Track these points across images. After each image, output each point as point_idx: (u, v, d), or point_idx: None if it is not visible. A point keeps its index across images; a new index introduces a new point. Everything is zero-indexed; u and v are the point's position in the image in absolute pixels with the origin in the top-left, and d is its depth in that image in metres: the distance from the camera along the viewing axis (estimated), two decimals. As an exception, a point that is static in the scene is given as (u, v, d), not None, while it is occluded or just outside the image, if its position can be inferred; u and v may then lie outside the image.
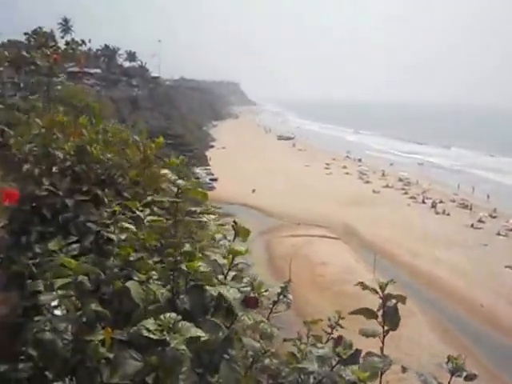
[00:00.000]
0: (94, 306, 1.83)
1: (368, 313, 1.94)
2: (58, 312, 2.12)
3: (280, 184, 51.64)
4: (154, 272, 2.06)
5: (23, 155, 4.24)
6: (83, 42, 21.97)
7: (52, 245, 2.33)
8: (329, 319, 2.34)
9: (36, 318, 1.85)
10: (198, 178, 45.49)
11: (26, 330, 2.08)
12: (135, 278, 1.99)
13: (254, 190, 49.18)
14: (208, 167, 60.75)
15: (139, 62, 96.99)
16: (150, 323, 1.55)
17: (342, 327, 2.30)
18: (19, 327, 3.01)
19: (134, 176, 3.87)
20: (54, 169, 3.94)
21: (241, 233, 2.18)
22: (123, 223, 2.34)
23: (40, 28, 21.48)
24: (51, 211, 3.48)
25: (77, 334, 1.75)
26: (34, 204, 3.58)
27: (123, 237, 2.25)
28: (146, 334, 1.51)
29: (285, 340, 2.22)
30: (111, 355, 1.65)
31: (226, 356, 1.66)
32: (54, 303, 2.21)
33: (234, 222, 2.22)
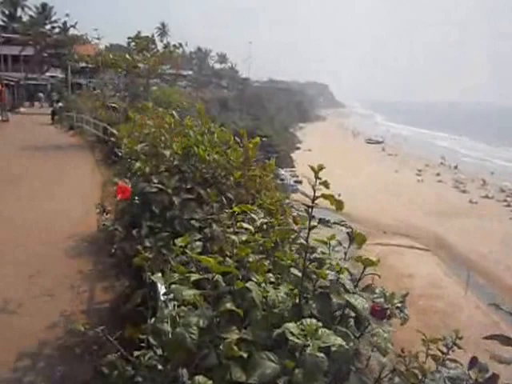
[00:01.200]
0: (229, 306, 1.84)
1: (504, 339, 1.75)
2: (170, 306, 2.17)
3: (366, 189, 50.13)
4: (270, 274, 2.05)
5: (134, 153, 4.48)
6: (180, 45, 22.95)
7: (179, 241, 2.40)
8: (444, 338, 2.18)
9: (166, 311, 1.89)
10: (282, 180, 45.76)
11: (147, 320, 2.17)
12: (253, 279, 1.98)
13: (339, 195, 48.21)
14: (293, 169, 60.71)
15: (230, 64, 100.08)
16: (293, 327, 1.53)
17: (459, 348, 2.12)
18: (133, 315, 3.18)
19: (238, 177, 3.90)
20: (163, 167, 4.13)
21: (357, 239, 2.10)
22: (243, 224, 2.33)
23: (139, 32, 22.96)
24: (159, 207, 3.65)
25: (209, 329, 1.78)
26: (144, 200, 3.77)
27: (244, 238, 2.23)
28: (290, 337, 1.49)
29: (399, 356, 2.10)
30: (245, 354, 1.65)
31: (353, 368, 1.60)
32: (170, 296, 2.27)
33: (350, 228, 2.14)
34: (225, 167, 4.01)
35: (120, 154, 12.66)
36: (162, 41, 60.60)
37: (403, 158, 76.68)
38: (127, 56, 17.88)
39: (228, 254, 2.80)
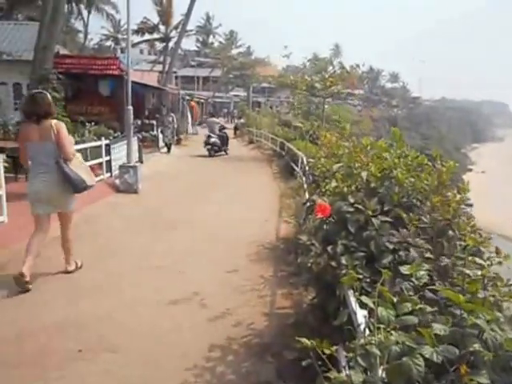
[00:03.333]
0: (477, 346, 1.77)
1: None
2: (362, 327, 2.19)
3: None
4: (499, 314, 1.94)
5: (328, 173, 4.71)
6: (358, 65, 23.27)
7: (406, 269, 2.40)
8: None
9: (368, 334, 1.90)
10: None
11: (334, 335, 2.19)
12: (482, 317, 1.86)
13: (515, 222, 42.44)
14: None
15: (401, 83, 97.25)
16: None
17: None
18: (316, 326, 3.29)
19: (436, 202, 3.80)
20: (353, 187, 4.25)
21: None
22: (476, 259, 2.27)
23: (316, 55, 23.70)
24: (355, 227, 3.77)
25: (441, 365, 1.75)
26: (339, 218, 3.93)
27: (479, 273, 2.16)
28: None
29: None
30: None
31: None
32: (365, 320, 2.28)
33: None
34: (420, 191, 3.96)
35: (296, 168, 13.23)
36: (339, 62, 62.00)
37: None
38: (306, 77, 18.78)
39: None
